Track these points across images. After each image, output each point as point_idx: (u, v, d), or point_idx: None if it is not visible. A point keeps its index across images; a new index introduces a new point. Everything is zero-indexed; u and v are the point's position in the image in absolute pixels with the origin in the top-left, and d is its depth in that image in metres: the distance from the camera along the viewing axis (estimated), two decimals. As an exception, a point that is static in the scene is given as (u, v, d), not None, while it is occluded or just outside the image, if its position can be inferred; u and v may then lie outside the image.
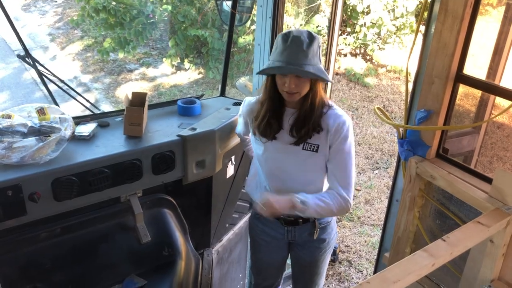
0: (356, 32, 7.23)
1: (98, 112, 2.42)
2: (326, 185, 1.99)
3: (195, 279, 2.27)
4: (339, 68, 7.18)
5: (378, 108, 1.81)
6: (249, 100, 2.09)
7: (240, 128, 2.20)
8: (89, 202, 2.07)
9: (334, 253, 3.65)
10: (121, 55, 6.73)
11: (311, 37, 1.77)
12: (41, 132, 2.03)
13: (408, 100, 1.89)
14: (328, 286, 3.46)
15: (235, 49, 6.41)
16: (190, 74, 7.24)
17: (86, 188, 2.01)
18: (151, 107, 2.48)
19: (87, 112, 2.53)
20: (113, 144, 2.13)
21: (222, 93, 2.81)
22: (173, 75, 7.29)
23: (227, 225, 2.75)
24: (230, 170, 2.59)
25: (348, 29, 7.35)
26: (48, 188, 1.92)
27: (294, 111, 1.90)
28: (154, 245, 2.20)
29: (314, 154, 1.91)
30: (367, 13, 7.04)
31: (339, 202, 1.86)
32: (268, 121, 1.92)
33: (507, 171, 1.58)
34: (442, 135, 1.83)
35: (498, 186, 1.59)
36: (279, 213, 1.86)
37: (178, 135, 2.23)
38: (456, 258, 1.88)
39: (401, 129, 1.92)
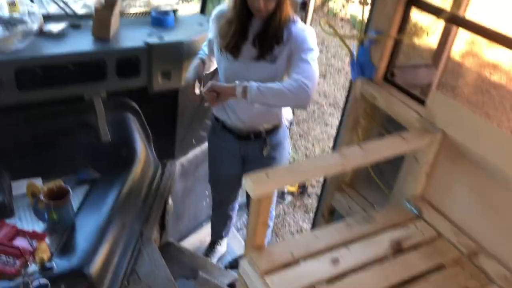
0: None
1: (71, 12, 2.46)
2: None
3: (151, 183, 2.38)
4: (345, 14, 7.06)
5: (327, 23, 1.83)
6: (220, 8, 2.12)
7: (210, 34, 2.19)
8: (52, 97, 2.16)
9: (304, 186, 3.77)
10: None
11: None
12: (9, 23, 2.10)
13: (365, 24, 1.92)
14: (293, 215, 3.61)
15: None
16: (192, 6, 7.16)
17: (49, 81, 2.10)
18: (126, 15, 2.52)
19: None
20: (80, 42, 2.20)
21: (202, 11, 2.83)
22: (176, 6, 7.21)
23: (194, 141, 2.85)
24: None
25: (360, -24, 7.15)
26: (12, 77, 2.01)
27: (260, 23, 1.97)
28: (114, 145, 2.31)
29: (272, 65, 1.98)
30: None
31: (295, 85, 1.83)
32: (236, 42, 1.98)
33: (441, 92, 1.63)
34: (390, 58, 1.86)
35: (430, 107, 1.64)
36: (223, 96, 1.90)
37: (145, 42, 2.29)
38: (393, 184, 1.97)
39: (354, 53, 1.96)
